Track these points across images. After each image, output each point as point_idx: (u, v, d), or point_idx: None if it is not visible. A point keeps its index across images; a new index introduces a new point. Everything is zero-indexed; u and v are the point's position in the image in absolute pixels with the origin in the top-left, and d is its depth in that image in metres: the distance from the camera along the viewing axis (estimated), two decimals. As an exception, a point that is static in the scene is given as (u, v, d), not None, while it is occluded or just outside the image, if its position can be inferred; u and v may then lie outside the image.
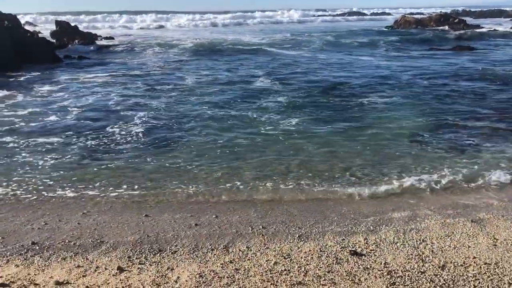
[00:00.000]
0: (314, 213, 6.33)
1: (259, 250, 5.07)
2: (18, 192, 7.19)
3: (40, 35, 30.66)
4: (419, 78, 17.56)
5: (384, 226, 5.76)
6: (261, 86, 16.44)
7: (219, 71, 20.32)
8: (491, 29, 40.18)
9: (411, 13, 73.40)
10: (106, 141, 9.96)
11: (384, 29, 46.05)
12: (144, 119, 11.72)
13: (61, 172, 8.08)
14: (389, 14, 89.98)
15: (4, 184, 7.48)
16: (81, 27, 36.86)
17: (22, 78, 18.12)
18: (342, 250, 5.04)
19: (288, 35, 39.49)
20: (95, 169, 8.22)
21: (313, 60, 23.43)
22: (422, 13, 78.02)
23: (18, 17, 27.39)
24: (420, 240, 5.29)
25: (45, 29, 36.58)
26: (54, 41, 31.13)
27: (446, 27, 42.32)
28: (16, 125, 11.28)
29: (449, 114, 11.96)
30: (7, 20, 25.13)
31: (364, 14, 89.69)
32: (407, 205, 6.60)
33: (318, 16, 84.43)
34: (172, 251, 5.07)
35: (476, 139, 9.78)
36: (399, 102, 13.54)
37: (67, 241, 5.36)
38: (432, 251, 4.98)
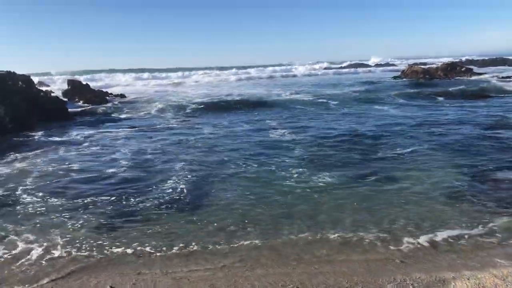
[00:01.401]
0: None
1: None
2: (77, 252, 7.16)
3: (53, 94, 30.91)
4: (439, 127, 17.17)
5: None
6: (281, 138, 16.17)
7: (237, 123, 20.30)
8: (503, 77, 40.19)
9: (415, 63, 74.34)
10: (146, 198, 9.74)
11: (392, 79, 46.28)
12: (174, 177, 11.32)
13: (114, 230, 8.00)
14: (393, 64, 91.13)
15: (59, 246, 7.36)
16: (100, 84, 37.32)
17: (38, 137, 17.90)
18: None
19: (299, 89, 39.81)
20: (148, 229, 8.05)
21: (331, 112, 23.22)
22: (425, 63, 79.14)
23: (42, 77, 27.60)
24: None
25: (58, 89, 36.88)
26: (66, 99, 31.39)
27: (455, 76, 42.48)
28: (43, 183, 11.03)
29: (480, 164, 11.41)
30: (21, 81, 25.40)
31: (369, 66, 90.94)
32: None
33: (325, 69, 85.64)
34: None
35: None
36: (424, 152, 13.05)
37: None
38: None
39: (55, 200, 9.77)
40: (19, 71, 25.22)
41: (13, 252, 7.28)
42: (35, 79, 37.46)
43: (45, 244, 7.51)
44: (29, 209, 9.25)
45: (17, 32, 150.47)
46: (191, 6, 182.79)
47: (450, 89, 31.05)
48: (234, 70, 75.67)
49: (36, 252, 7.23)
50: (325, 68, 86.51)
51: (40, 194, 10.17)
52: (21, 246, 7.48)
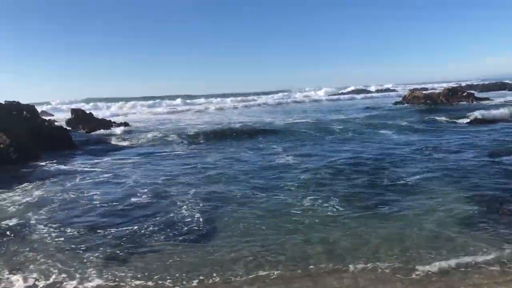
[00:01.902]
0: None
1: None
2: None
3: (56, 123, 31.08)
4: (443, 152, 17.13)
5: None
6: (286, 164, 16.28)
7: (242, 150, 20.49)
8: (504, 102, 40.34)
9: (416, 89, 74.82)
10: (162, 227, 9.72)
11: (393, 105, 46.54)
12: (186, 205, 11.29)
13: (132, 261, 7.96)
14: (393, 90, 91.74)
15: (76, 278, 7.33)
16: (102, 112, 37.55)
17: (44, 167, 17.83)
18: None
19: (302, 114, 40.20)
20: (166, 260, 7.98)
21: (335, 137, 23.26)
22: (426, 88, 79.68)
23: (43, 106, 27.80)
24: None
25: (61, 119, 37.13)
26: (70, 128, 31.58)
27: (456, 101, 42.70)
28: (56, 213, 10.99)
29: (488, 190, 11.32)
30: (25, 110, 25.58)
31: (369, 92, 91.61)
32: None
33: (326, 95, 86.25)
34: None
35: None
36: (431, 178, 12.95)
37: None
38: None
39: (70, 230, 9.68)
40: (20, 100, 25.35)
41: (27, 284, 7.19)
42: (38, 109, 37.81)
43: (62, 275, 7.43)
44: (45, 239, 9.16)
45: (17, 60, 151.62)
46: (192, 34, 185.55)
47: (453, 114, 31.18)
48: (238, 98, 76.29)
49: (53, 284, 7.15)
50: (327, 94, 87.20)
51: (55, 225, 10.07)
52: (38, 277, 7.39)
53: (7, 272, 7.61)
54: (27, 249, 8.68)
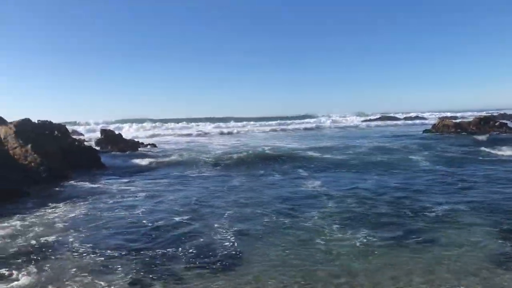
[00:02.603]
0: None
1: None
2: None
3: (86, 142, 31.76)
4: (473, 183, 16.70)
5: None
6: (312, 191, 16.16)
7: (269, 174, 20.61)
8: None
9: (446, 117, 73.59)
10: (199, 251, 9.70)
11: (422, 133, 45.77)
12: (220, 229, 11.22)
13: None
14: (423, 118, 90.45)
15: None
16: (134, 134, 38.35)
17: (74, 187, 18.11)
18: None
19: (328, 141, 40.02)
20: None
21: (361, 164, 22.92)
22: (456, 117, 78.27)
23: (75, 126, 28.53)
24: None
25: (92, 138, 37.96)
26: (99, 148, 32.19)
27: (488, 131, 41.63)
28: (89, 233, 11.08)
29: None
30: (57, 130, 26.25)
31: (397, 119, 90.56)
32: None
33: (353, 121, 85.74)
34: None
35: None
36: (460, 210, 12.57)
37: None
38: None
39: (98, 251, 9.70)
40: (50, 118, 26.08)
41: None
42: (70, 128, 38.82)
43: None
44: (74, 259, 9.23)
45: (48, 81, 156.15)
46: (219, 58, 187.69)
47: (484, 144, 30.39)
48: (267, 122, 76.77)
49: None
50: (355, 120, 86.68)
51: (88, 244, 10.13)
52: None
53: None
54: (52, 268, 8.71)
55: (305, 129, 64.25)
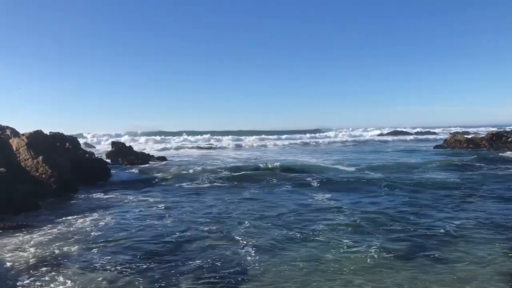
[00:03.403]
0: None
1: None
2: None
3: (97, 155, 32.02)
4: (486, 199, 16.56)
5: None
6: (322, 205, 16.25)
7: (280, 187, 20.81)
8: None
9: (457, 132, 72.99)
10: (223, 263, 9.81)
11: (434, 148, 45.38)
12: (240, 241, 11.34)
13: None
14: (434, 133, 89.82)
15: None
16: (145, 146, 38.57)
17: (85, 199, 18.22)
18: None
19: (340, 155, 40.02)
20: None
21: (371, 178, 22.64)
22: (468, 132, 77.64)
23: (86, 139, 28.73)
24: None
25: (103, 151, 38.26)
26: (109, 160, 32.39)
27: (501, 146, 41.13)
28: (108, 248, 11.05)
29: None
30: (68, 142, 26.50)
31: (409, 133, 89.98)
32: None
33: (363, 135, 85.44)
34: None
35: None
36: (472, 225, 12.55)
37: None
38: None
39: (114, 264, 9.74)
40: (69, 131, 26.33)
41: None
42: (81, 140, 39.18)
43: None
44: (91, 271, 9.29)
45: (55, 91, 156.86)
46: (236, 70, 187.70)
47: (496, 160, 30.02)
48: (282, 136, 76.86)
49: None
50: (366, 135, 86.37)
51: (108, 257, 10.17)
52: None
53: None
54: (73, 280, 8.71)
55: (316, 143, 64.05)
